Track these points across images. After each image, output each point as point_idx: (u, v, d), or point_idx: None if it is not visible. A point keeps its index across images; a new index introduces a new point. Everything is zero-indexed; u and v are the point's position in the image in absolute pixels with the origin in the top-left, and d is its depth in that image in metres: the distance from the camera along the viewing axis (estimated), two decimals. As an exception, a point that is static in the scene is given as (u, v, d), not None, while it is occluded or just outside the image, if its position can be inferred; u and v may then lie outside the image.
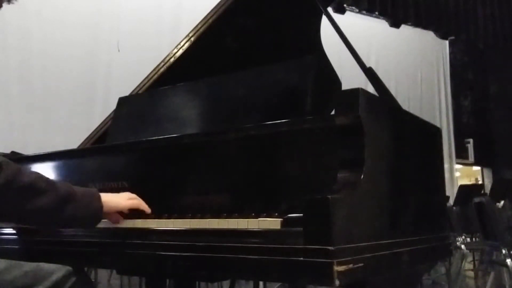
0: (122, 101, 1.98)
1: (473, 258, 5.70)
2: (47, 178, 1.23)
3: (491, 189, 6.89)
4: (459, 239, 4.99)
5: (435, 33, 9.29)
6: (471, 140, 10.40)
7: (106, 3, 5.94)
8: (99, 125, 2.04)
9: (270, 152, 1.31)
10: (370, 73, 1.68)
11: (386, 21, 8.44)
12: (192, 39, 2.02)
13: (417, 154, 1.48)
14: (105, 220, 1.33)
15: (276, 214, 1.12)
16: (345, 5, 7.49)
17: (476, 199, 3.84)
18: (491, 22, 9.39)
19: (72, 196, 1.22)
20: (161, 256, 1.18)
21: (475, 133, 10.55)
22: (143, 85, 2.03)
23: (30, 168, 1.80)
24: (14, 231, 1.56)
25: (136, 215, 1.36)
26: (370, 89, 1.43)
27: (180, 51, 2.03)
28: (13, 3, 1.42)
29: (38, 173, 1.23)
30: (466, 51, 10.66)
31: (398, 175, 1.31)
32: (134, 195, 1.37)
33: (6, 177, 1.14)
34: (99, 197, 1.28)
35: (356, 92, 1.12)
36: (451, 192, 6.64)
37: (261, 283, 2.89)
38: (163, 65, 2.03)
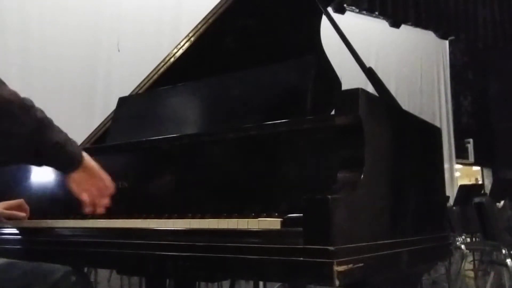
0: (122, 101, 1.98)
1: (473, 258, 5.70)
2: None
3: (491, 189, 6.90)
4: (459, 239, 5.00)
5: (435, 33, 9.30)
6: (471, 140, 10.40)
7: (106, 3, 5.94)
8: (99, 125, 2.03)
9: (270, 152, 1.31)
10: (370, 73, 1.68)
11: (386, 21, 8.45)
12: (192, 39, 2.02)
13: (417, 154, 1.48)
14: (104, 220, 1.33)
15: (276, 214, 1.12)
16: (345, 5, 7.50)
17: (476, 199, 3.85)
18: (491, 22, 9.40)
19: (45, 124, 1.13)
20: (161, 256, 1.18)
21: (475, 133, 10.55)
22: (143, 85, 2.03)
23: (30, 168, 1.80)
24: (14, 231, 1.56)
25: (135, 215, 1.36)
26: (370, 89, 1.42)
27: (180, 51, 2.02)
28: None
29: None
30: (466, 51, 10.67)
31: (398, 175, 1.31)
32: None
33: None
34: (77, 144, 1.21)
35: (356, 92, 1.12)
36: (451, 192, 6.64)
37: (261, 283, 2.89)
38: (163, 65, 2.03)
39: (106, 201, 1.29)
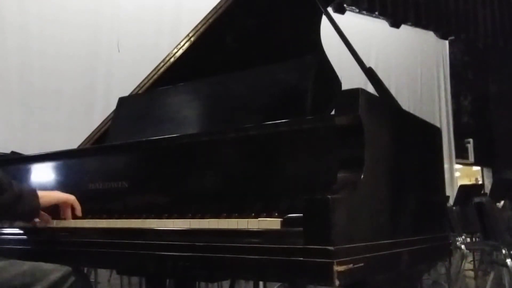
0: (122, 101, 1.98)
1: (473, 258, 5.69)
2: (6, 176, 1.34)
3: (491, 189, 6.88)
4: (459, 239, 4.99)
5: (435, 33, 9.30)
6: (471, 140, 10.40)
7: (106, 3, 5.94)
8: (99, 125, 2.03)
9: (270, 152, 1.31)
10: (370, 73, 1.68)
11: (386, 21, 8.45)
12: (192, 39, 2.02)
13: (417, 154, 1.48)
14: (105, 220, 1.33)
15: (276, 214, 1.12)
16: (345, 5, 7.50)
17: (476, 199, 3.84)
18: (491, 22, 9.40)
19: (22, 195, 1.35)
20: (161, 256, 1.18)
21: (475, 133, 10.55)
22: (143, 85, 2.03)
23: (30, 168, 1.80)
24: (15, 231, 1.56)
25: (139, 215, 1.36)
26: (370, 89, 1.42)
27: (180, 51, 2.02)
28: None
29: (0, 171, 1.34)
30: (466, 51, 10.67)
31: (398, 175, 1.31)
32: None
33: None
34: (38, 196, 1.39)
35: (356, 92, 1.12)
36: (451, 192, 6.64)
37: (261, 283, 2.89)
38: (163, 65, 2.03)
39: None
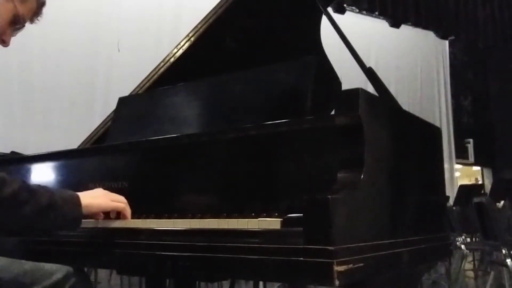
0: (122, 101, 1.98)
1: (473, 258, 5.70)
2: (29, 186, 1.17)
3: (491, 189, 6.89)
4: (459, 239, 5.00)
5: (435, 33, 9.31)
6: (471, 140, 10.41)
7: (106, 3, 5.95)
8: (99, 125, 2.03)
9: (270, 152, 1.31)
10: (370, 73, 1.68)
11: (386, 21, 8.45)
12: (192, 39, 2.02)
13: (417, 154, 1.48)
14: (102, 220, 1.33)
15: (276, 214, 1.12)
16: (345, 5, 7.50)
17: (476, 199, 3.85)
18: (491, 22, 9.41)
19: (53, 205, 1.18)
20: (161, 256, 1.18)
21: (475, 133, 10.55)
22: (143, 85, 2.03)
23: (30, 168, 1.80)
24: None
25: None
26: (370, 89, 1.43)
27: (180, 51, 2.02)
28: (36, 22, 1.42)
29: (20, 181, 1.17)
30: (466, 51, 10.67)
31: (398, 175, 1.31)
32: (119, 197, 1.34)
33: None
34: (80, 204, 1.23)
35: (356, 92, 1.12)
36: (451, 192, 6.64)
37: (261, 283, 2.89)
38: (163, 65, 2.03)
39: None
